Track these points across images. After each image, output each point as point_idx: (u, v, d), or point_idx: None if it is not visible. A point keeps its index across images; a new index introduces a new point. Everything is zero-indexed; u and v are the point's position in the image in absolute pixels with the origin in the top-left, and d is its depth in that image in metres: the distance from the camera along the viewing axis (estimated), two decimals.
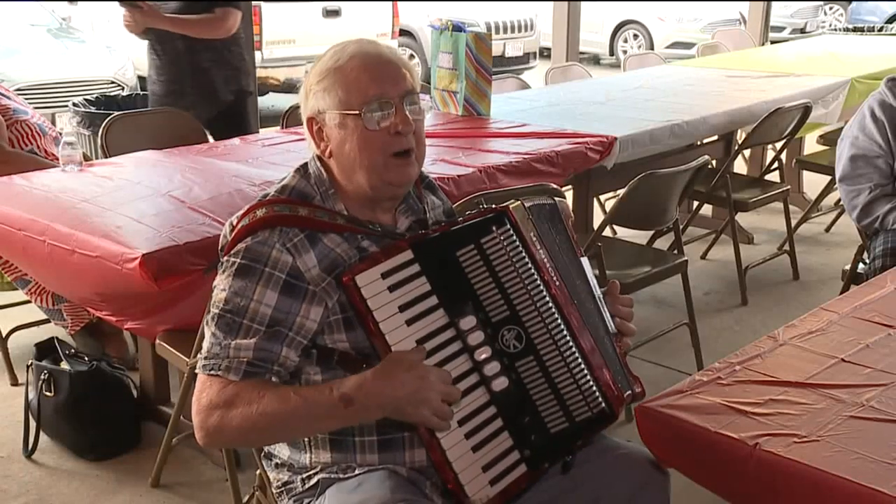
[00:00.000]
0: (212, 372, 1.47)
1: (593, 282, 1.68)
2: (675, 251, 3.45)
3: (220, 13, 3.87)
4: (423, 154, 1.64)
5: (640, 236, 3.87)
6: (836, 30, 10.19)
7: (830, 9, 13.65)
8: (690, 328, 3.36)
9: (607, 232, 3.63)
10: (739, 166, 5.00)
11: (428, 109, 1.63)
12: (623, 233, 4.15)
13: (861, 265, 3.15)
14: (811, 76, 4.83)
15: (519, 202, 1.60)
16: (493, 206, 1.58)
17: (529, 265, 1.53)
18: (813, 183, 4.98)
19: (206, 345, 1.51)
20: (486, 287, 1.52)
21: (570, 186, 3.65)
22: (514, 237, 1.54)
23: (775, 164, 4.47)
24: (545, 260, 1.57)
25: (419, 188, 1.73)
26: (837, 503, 1.38)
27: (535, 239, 1.57)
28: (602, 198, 4.78)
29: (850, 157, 3.00)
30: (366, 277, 1.48)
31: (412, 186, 1.69)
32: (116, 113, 3.70)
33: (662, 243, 3.76)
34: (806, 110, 4.09)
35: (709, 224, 4.75)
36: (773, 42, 7.12)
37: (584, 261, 1.70)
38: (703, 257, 4.59)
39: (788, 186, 4.38)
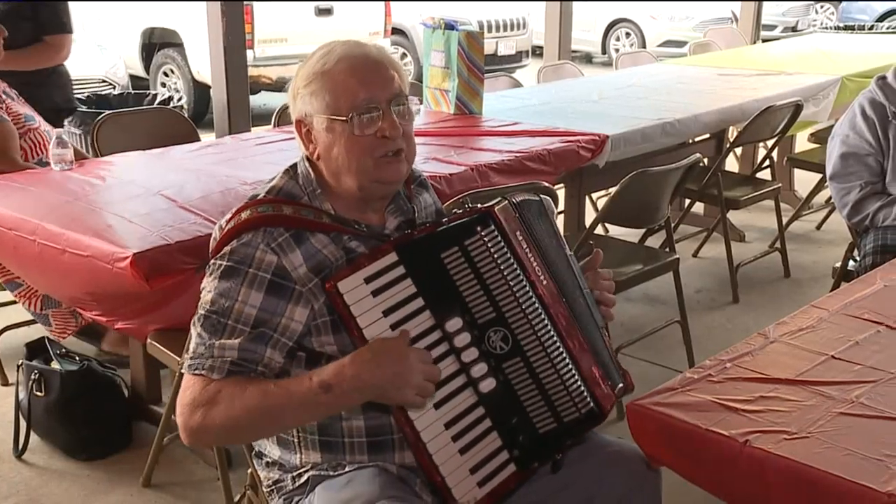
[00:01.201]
0: (195, 371, 1.47)
1: (580, 277, 1.69)
2: (667, 249, 3.46)
3: (54, 41, 3.71)
4: (413, 153, 1.63)
5: (632, 234, 3.87)
6: (827, 28, 10.23)
7: (822, 7, 13.69)
8: (682, 326, 3.36)
9: (600, 230, 3.64)
10: (731, 164, 5.01)
11: (417, 112, 1.62)
12: (615, 231, 4.15)
13: (851, 262, 3.15)
14: (802, 74, 4.84)
15: (506, 201, 1.60)
16: (479, 205, 1.58)
17: (514, 266, 1.53)
18: (804, 181, 4.99)
19: (191, 345, 1.51)
20: (472, 289, 1.51)
21: (562, 185, 3.66)
22: (499, 238, 1.53)
23: (767, 162, 4.48)
24: (532, 258, 1.57)
25: (409, 188, 1.73)
26: (828, 499, 1.38)
27: (521, 238, 1.57)
28: (595, 196, 4.79)
29: (840, 154, 3.01)
30: (348, 283, 1.47)
31: (402, 186, 1.69)
32: (108, 112, 3.69)
33: (655, 241, 3.76)
34: (797, 108, 4.10)
35: (701, 222, 4.76)
36: (764, 40, 7.14)
37: (572, 255, 1.71)
38: (695, 255, 4.59)
39: (780, 184, 4.38)
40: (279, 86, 7.89)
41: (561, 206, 3.74)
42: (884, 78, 3.03)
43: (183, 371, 1.50)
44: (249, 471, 1.76)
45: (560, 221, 3.75)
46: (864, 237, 2.99)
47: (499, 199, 1.60)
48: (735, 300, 4.05)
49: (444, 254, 1.52)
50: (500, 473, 1.50)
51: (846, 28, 8.90)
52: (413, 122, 1.62)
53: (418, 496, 1.53)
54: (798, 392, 1.61)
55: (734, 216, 4.62)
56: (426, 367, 1.45)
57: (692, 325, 3.43)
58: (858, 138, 2.97)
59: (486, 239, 1.53)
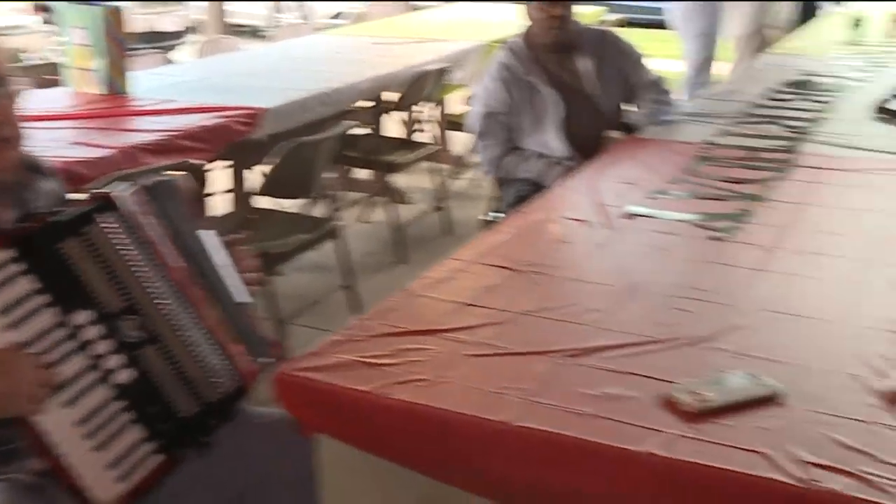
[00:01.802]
0: None
1: (221, 254, 1.67)
2: (331, 217, 3.52)
3: None
4: (19, 137, 1.53)
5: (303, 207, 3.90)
6: None
7: None
8: (347, 291, 3.44)
9: (269, 203, 3.62)
10: (396, 129, 5.19)
11: (17, 94, 1.52)
12: (289, 203, 4.15)
13: (498, 214, 3.40)
14: (453, 41, 5.10)
15: (138, 185, 1.55)
16: (98, 192, 1.52)
17: (141, 251, 1.50)
18: (461, 141, 5.29)
19: None
20: (97, 280, 1.46)
21: (231, 161, 3.59)
22: (121, 223, 1.49)
23: (425, 126, 4.70)
24: (163, 241, 1.54)
25: (25, 176, 1.61)
26: (459, 437, 1.48)
27: (151, 221, 1.53)
28: (266, 170, 4.75)
29: (479, 114, 3.22)
30: None
31: (18, 174, 1.58)
32: None
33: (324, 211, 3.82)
34: (442, 73, 4.33)
35: (370, 188, 4.89)
36: (419, 9, 7.45)
37: (211, 234, 1.69)
38: (363, 220, 4.71)
39: (439, 146, 4.62)
40: None
41: (230, 184, 3.69)
42: (509, 43, 3.29)
43: None
44: None
45: (228, 198, 3.70)
46: (506, 189, 3.24)
47: (130, 183, 1.55)
48: (403, 260, 4.22)
49: (61, 245, 1.44)
50: (143, 466, 1.46)
51: None
52: (13, 104, 1.52)
53: (57, 502, 1.44)
54: (434, 341, 1.71)
55: (399, 179, 4.80)
56: (38, 374, 1.37)
57: (362, 289, 3.52)
58: (493, 99, 3.20)
59: (105, 227, 1.48)
